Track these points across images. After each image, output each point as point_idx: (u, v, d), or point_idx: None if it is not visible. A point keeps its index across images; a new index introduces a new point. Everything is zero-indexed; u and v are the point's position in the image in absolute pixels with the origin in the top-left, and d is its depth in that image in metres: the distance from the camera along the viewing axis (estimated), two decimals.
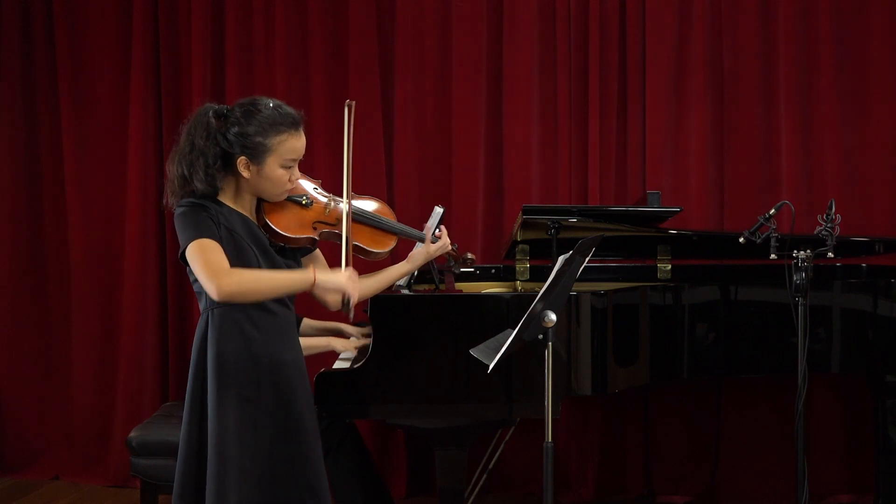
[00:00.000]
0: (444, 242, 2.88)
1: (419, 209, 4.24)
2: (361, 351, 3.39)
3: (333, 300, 2.69)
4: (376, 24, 4.41)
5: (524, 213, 3.46)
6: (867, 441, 4.00)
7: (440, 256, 2.97)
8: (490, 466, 4.08)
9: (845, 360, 3.52)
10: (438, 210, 3.27)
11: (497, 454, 4.09)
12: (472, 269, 3.98)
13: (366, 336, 3.48)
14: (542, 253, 3.82)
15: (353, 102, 2.59)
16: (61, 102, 4.63)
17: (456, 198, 4.35)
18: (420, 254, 2.88)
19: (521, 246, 3.84)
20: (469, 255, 2.96)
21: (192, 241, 2.39)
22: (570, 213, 3.51)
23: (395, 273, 2.86)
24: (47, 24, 4.65)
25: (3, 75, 4.70)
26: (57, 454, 4.71)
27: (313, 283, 2.47)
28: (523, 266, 3.87)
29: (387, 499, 3.66)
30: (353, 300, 2.51)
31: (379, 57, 4.41)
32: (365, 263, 2.87)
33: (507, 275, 3.96)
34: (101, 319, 4.65)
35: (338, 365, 3.32)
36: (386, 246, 2.75)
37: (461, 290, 3.64)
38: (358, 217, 2.70)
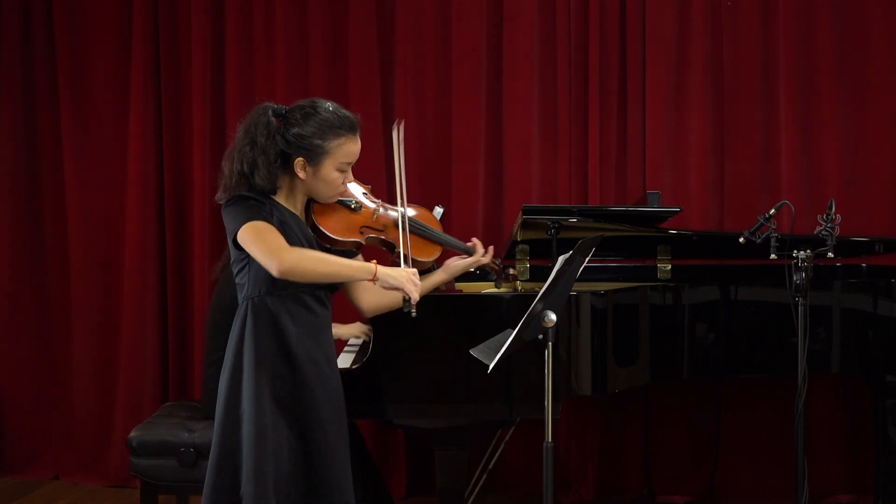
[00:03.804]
0: (479, 253, 2.89)
1: None
2: (361, 351, 3.40)
3: (392, 298, 2.74)
4: (376, 24, 4.41)
5: (524, 213, 3.46)
6: (867, 441, 4.00)
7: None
8: (490, 466, 4.08)
9: (845, 360, 3.52)
10: (438, 210, 3.27)
11: (497, 454, 4.09)
12: (471, 270, 3.98)
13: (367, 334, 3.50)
14: (542, 253, 3.82)
15: (402, 122, 2.62)
16: (61, 102, 4.62)
17: (456, 198, 4.35)
18: (457, 265, 2.88)
19: (521, 246, 3.84)
20: (511, 271, 2.95)
21: (244, 224, 2.42)
22: (570, 213, 3.51)
23: (432, 283, 2.86)
24: (47, 24, 4.64)
25: (3, 76, 4.70)
26: (57, 454, 4.71)
27: (374, 275, 2.50)
28: (523, 266, 3.87)
29: (387, 499, 3.66)
30: (414, 299, 2.54)
31: (379, 57, 4.41)
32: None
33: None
34: (102, 319, 4.64)
35: (338, 365, 3.32)
36: (431, 255, 2.77)
37: (461, 290, 3.64)
38: (408, 226, 2.70)
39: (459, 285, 3.83)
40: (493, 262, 2.90)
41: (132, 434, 3.46)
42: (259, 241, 2.41)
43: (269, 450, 2.46)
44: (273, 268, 2.40)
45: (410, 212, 2.78)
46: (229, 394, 2.52)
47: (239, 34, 4.49)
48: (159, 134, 4.58)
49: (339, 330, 3.47)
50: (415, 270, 2.58)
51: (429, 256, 2.76)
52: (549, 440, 2.56)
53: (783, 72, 4.15)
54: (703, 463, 4.25)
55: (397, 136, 2.61)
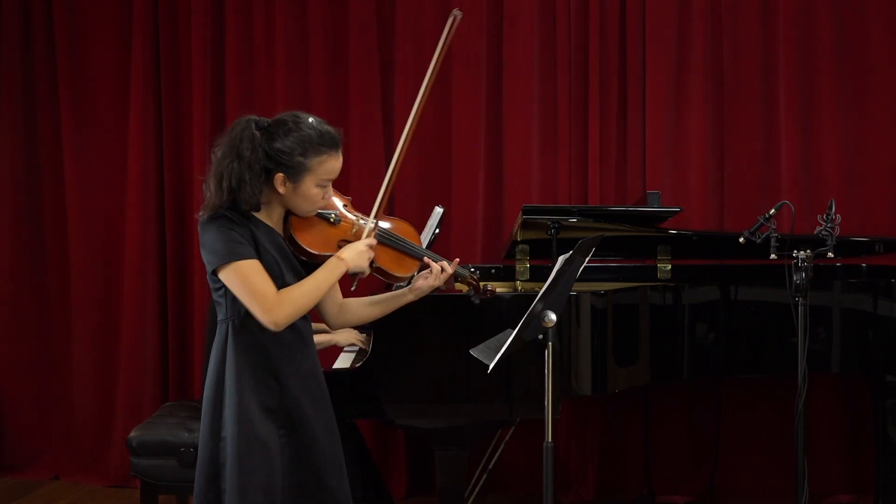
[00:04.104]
0: (447, 270, 2.70)
1: (419, 209, 4.24)
2: (361, 351, 3.39)
3: (355, 317, 2.75)
4: (376, 24, 4.41)
5: (524, 213, 3.46)
6: (867, 441, 4.00)
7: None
8: (490, 466, 4.08)
9: (845, 360, 3.52)
10: (438, 210, 3.27)
11: (497, 454, 4.09)
12: (472, 270, 3.97)
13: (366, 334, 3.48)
14: (542, 253, 3.82)
15: (460, 14, 2.59)
16: (61, 103, 4.63)
17: (456, 198, 4.35)
18: (423, 286, 2.71)
19: (521, 246, 3.84)
20: (489, 287, 2.81)
21: (228, 262, 2.38)
22: (570, 213, 3.51)
23: (399, 302, 2.73)
24: (47, 25, 4.65)
25: (3, 76, 4.70)
26: (57, 454, 4.71)
27: (348, 270, 2.50)
28: (523, 266, 3.87)
29: (387, 499, 3.66)
30: (363, 275, 2.55)
31: (379, 57, 4.41)
32: (380, 284, 2.82)
33: (507, 275, 3.96)
34: (102, 320, 4.65)
35: (338, 365, 3.32)
36: (409, 271, 2.68)
37: (461, 290, 3.64)
38: (383, 238, 2.65)
39: (459, 285, 3.83)
40: (472, 277, 2.78)
41: (132, 434, 3.46)
42: (248, 292, 2.38)
43: (255, 477, 2.41)
44: (268, 325, 2.39)
45: (386, 224, 2.71)
46: (212, 418, 2.48)
47: (239, 34, 4.49)
48: (159, 134, 4.58)
49: (335, 336, 3.44)
50: (371, 242, 2.55)
51: (407, 272, 2.68)
52: (549, 440, 2.56)
53: (783, 72, 4.14)
54: (703, 463, 4.25)
55: (449, 28, 2.57)
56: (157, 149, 4.58)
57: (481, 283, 2.78)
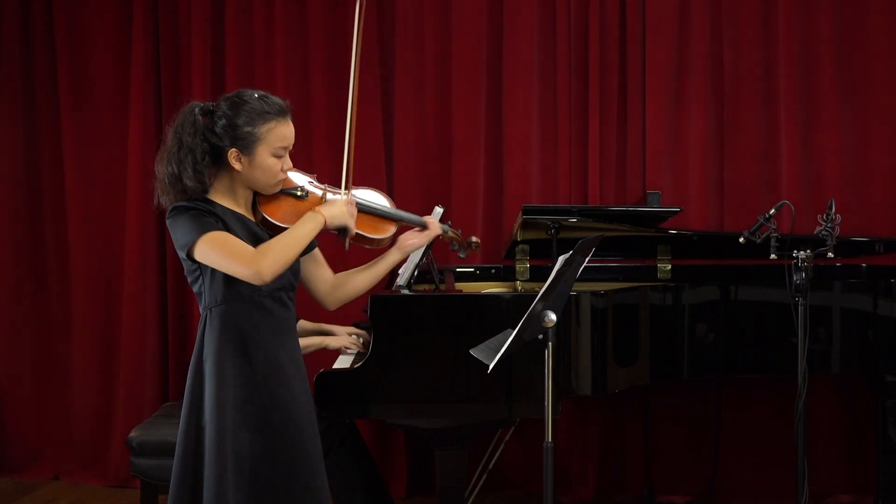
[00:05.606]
0: (433, 229, 2.82)
1: (419, 209, 4.18)
2: (361, 351, 3.39)
3: (351, 290, 2.76)
4: (376, 24, 4.41)
5: (524, 213, 3.47)
6: (867, 441, 4.00)
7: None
8: (490, 466, 4.08)
9: (845, 360, 3.52)
10: (438, 210, 3.27)
11: (497, 454, 4.09)
12: (472, 269, 3.98)
13: (363, 336, 3.48)
14: (542, 253, 3.82)
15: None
16: (61, 102, 4.63)
17: (456, 198, 4.36)
18: (411, 243, 2.80)
19: (521, 246, 3.84)
20: (474, 239, 2.92)
21: (199, 238, 2.37)
22: (570, 213, 3.51)
23: (389, 263, 2.79)
24: (47, 24, 4.65)
25: (2, 75, 4.70)
26: (57, 454, 4.71)
27: (325, 223, 2.48)
28: (523, 266, 3.87)
29: (387, 499, 3.66)
30: (352, 233, 2.56)
31: (379, 57, 4.41)
32: (364, 251, 2.86)
33: (507, 275, 3.96)
34: (102, 319, 4.65)
35: (338, 365, 3.32)
36: (386, 232, 2.73)
37: (461, 290, 3.64)
38: (357, 204, 2.69)
39: (459, 285, 3.83)
40: (454, 233, 2.88)
41: (132, 434, 3.46)
42: (225, 253, 2.36)
43: (229, 464, 2.41)
44: (254, 280, 2.36)
45: (369, 193, 2.76)
46: (191, 407, 2.47)
47: (239, 35, 4.49)
48: (159, 133, 4.57)
49: (326, 339, 3.40)
50: (350, 200, 2.56)
51: (384, 233, 2.72)
52: (549, 440, 2.56)
53: (783, 72, 4.14)
54: (703, 463, 4.25)
55: (359, 10, 2.56)
56: (156, 148, 4.54)
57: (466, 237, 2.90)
